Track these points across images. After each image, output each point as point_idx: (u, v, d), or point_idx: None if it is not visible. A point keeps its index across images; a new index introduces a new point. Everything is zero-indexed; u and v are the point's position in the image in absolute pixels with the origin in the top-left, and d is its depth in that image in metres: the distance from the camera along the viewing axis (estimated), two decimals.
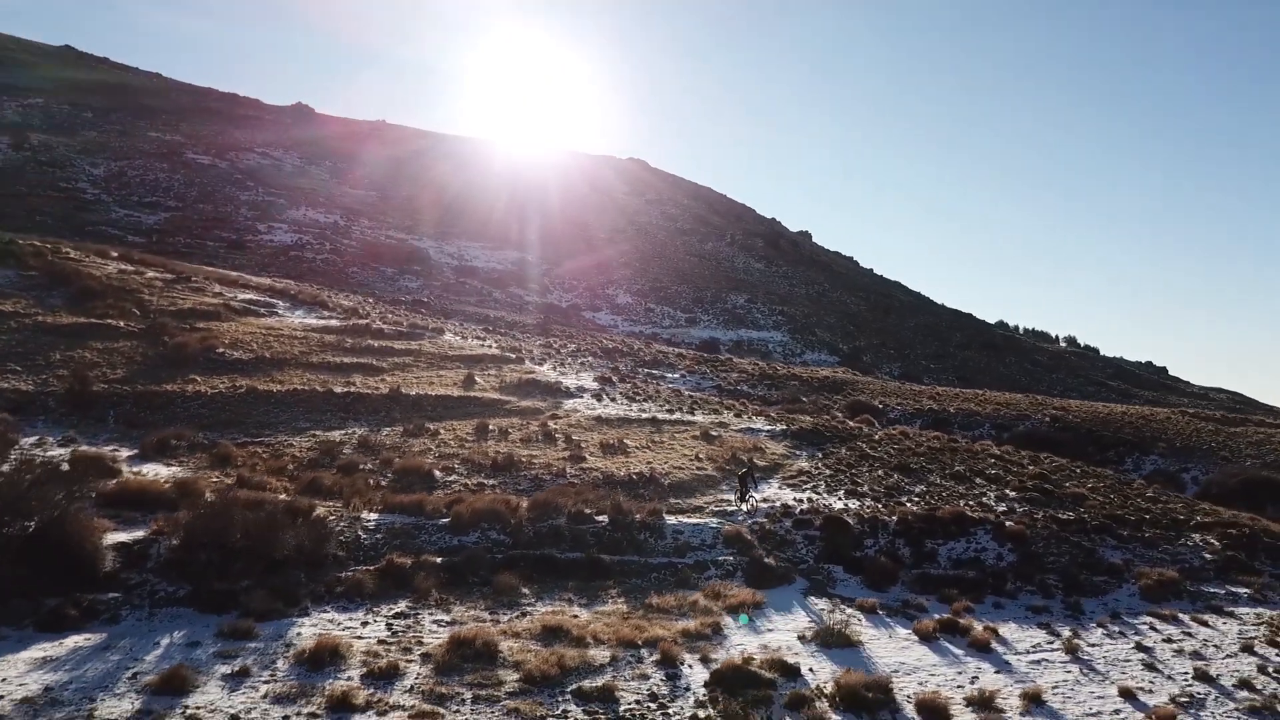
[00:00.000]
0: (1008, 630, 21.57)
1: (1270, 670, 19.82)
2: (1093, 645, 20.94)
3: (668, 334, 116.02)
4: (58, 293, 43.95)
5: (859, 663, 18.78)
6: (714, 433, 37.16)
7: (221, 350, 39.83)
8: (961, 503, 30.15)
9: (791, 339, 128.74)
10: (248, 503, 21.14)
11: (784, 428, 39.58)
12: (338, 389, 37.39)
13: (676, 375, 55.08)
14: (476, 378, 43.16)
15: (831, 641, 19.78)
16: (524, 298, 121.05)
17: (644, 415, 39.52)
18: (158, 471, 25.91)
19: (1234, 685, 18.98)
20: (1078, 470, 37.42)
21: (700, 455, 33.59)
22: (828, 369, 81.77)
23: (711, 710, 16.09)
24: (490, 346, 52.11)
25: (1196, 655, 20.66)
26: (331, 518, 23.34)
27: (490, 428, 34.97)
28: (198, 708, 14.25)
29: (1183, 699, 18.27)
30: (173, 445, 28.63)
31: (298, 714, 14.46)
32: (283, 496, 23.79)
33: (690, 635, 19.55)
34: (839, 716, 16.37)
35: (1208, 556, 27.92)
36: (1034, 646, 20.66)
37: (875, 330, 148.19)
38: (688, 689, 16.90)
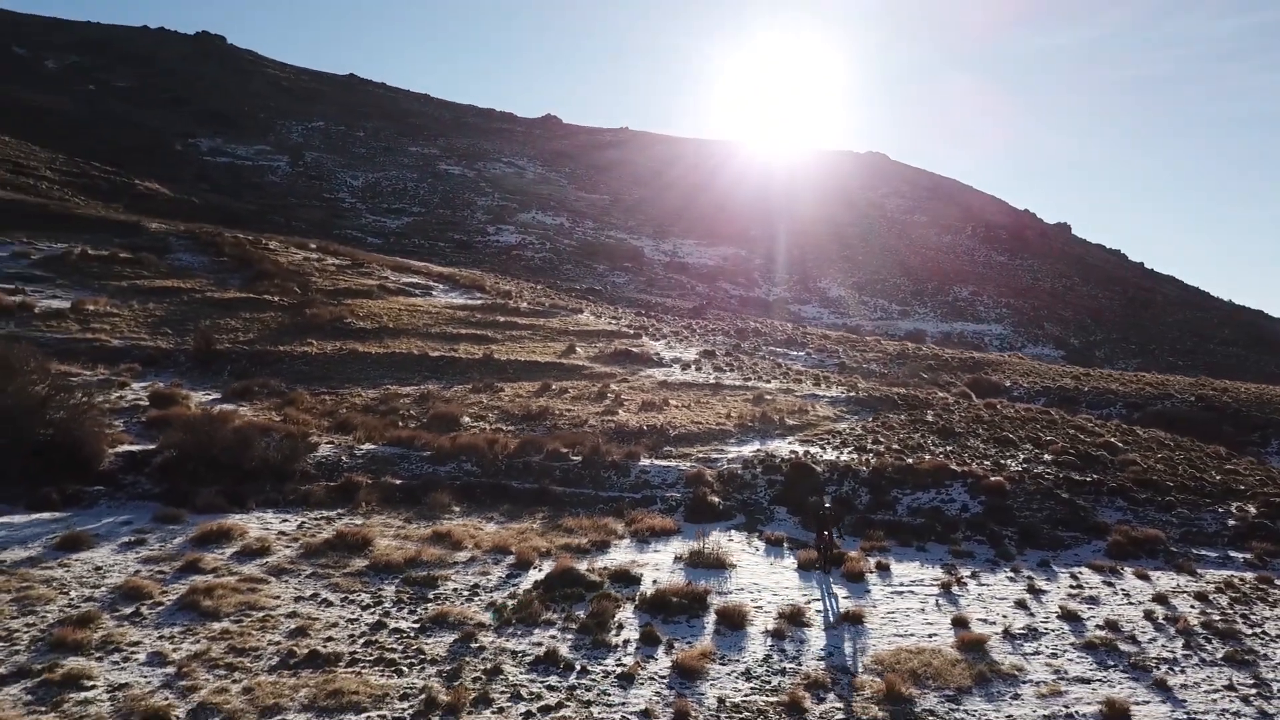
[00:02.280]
0: (902, 569, 21.37)
1: (1157, 617, 18.56)
2: (981, 585, 20.40)
3: (872, 326, 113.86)
4: (238, 275, 51.25)
5: (710, 579, 19.60)
6: (768, 397, 37.73)
7: (349, 320, 45.08)
8: (974, 462, 29.21)
9: (1013, 332, 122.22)
10: (235, 425, 24.92)
11: (847, 395, 39.37)
12: (433, 354, 41.37)
13: (801, 353, 55.20)
14: (577, 348, 45.94)
15: (700, 562, 20.65)
16: (728, 291, 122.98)
17: (711, 381, 40.65)
18: (223, 408, 30.55)
19: (1096, 625, 18.05)
20: (1170, 444, 34.59)
21: (731, 414, 34.45)
22: (995, 353, 77.68)
23: (512, 602, 17.75)
24: (616, 325, 54.76)
25: (1091, 601, 19.60)
26: (326, 445, 26.81)
27: (552, 387, 37.55)
28: (75, 558, 17.82)
29: (1020, 630, 17.72)
30: (254, 391, 33.40)
31: (152, 570, 17.68)
32: (291, 426, 27.53)
33: (572, 549, 21.14)
34: (634, 614, 17.49)
35: (1230, 523, 25.55)
36: (913, 582, 20.46)
37: (1119, 325, 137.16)
38: (514, 586, 18.61)
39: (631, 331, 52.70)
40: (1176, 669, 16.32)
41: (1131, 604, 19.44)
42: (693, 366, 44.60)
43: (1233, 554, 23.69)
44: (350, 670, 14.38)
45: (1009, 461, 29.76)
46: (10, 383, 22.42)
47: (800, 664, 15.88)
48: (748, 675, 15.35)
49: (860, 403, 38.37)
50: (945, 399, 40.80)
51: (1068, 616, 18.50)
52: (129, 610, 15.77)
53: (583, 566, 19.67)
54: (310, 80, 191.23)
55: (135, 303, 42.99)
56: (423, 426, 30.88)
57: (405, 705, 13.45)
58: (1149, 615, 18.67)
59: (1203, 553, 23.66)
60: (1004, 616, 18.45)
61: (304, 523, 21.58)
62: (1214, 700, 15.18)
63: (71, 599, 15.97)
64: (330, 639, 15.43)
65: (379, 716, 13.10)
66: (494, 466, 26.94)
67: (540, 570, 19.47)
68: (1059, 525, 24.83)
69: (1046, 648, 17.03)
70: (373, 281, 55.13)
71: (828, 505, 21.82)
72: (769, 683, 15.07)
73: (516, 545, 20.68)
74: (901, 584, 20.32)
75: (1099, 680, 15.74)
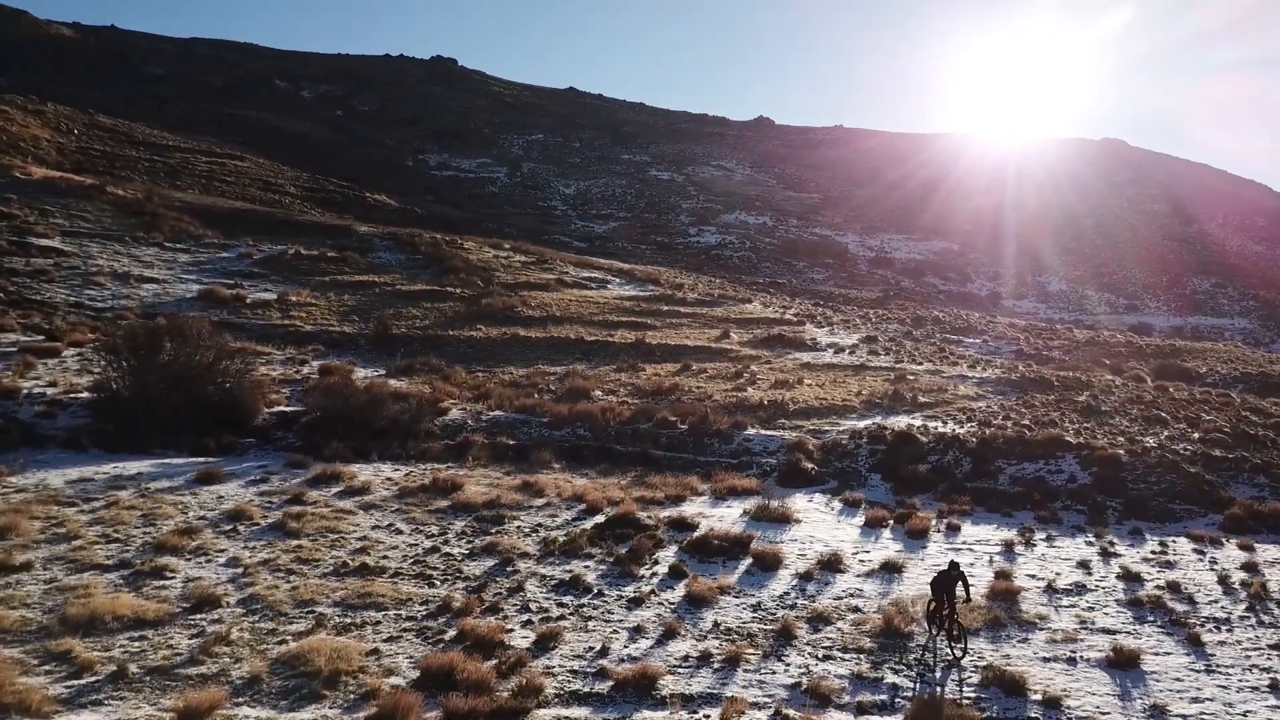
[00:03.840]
0: (974, 530, 21.05)
1: (1232, 582, 17.51)
2: (1051, 547, 19.83)
3: (1092, 320, 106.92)
4: (429, 270, 55.64)
5: (767, 530, 20.20)
6: (910, 377, 37.17)
7: (519, 309, 48.08)
8: (1104, 437, 27.80)
9: (1260, 327, 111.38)
10: (369, 390, 27.78)
11: (998, 376, 38.11)
12: (589, 338, 43.51)
13: (976, 341, 53.20)
14: (732, 333, 46.80)
15: (764, 516, 21.23)
16: (936, 286, 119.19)
17: (856, 363, 40.49)
18: (374, 379, 33.76)
19: (1155, 586, 17.24)
20: None
21: (862, 392, 34.30)
22: (1208, 344, 71.13)
23: (563, 537, 19.13)
24: (782, 313, 55.05)
25: (1165, 565, 18.61)
26: (456, 410, 29.28)
27: (692, 368, 38.69)
28: (205, 489, 20.81)
29: (1066, 585, 17.25)
30: (415, 368, 36.57)
31: (262, 500, 20.37)
32: (427, 394, 30.17)
33: (645, 500, 22.25)
34: (674, 554, 18.44)
35: None
36: (977, 541, 20.14)
37: None
38: (573, 527, 19.98)
39: (795, 319, 52.88)
40: (1223, 628, 15.47)
41: (1211, 570, 18.36)
42: (846, 350, 44.37)
43: None
44: (388, 580, 16.22)
45: (1147, 438, 28.08)
46: (182, 350, 26.12)
47: (814, 601, 16.29)
48: (756, 607, 15.96)
49: (1009, 383, 37.08)
50: (1111, 381, 38.58)
51: (1128, 577, 17.76)
52: (228, 528, 18.39)
53: (645, 514, 20.74)
54: (531, 95, 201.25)
55: (332, 294, 47.81)
56: (556, 399, 32.82)
57: (422, 608, 15.10)
58: (1223, 580, 17.64)
59: None
60: (1056, 574, 17.94)
61: (411, 471, 23.86)
62: (1247, 656, 14.38)
63: (188, 517, 18.79)
64: (385, 558, 17.37)
65: (395, 614, 14.81)
66: (604, 432, 28.44)
67: (604, 515, 20.71)
68: (1176, 499, 23.43)
69: (1085, 602, 16.53)
70: (551, 276, 58.22)
71: (955, 565, 14.62)
72: (773, 614, 15.62)
73: (591, 495, 22.01)
74: (964, 543, 20.06)
75: (1126, 632, 15.21)
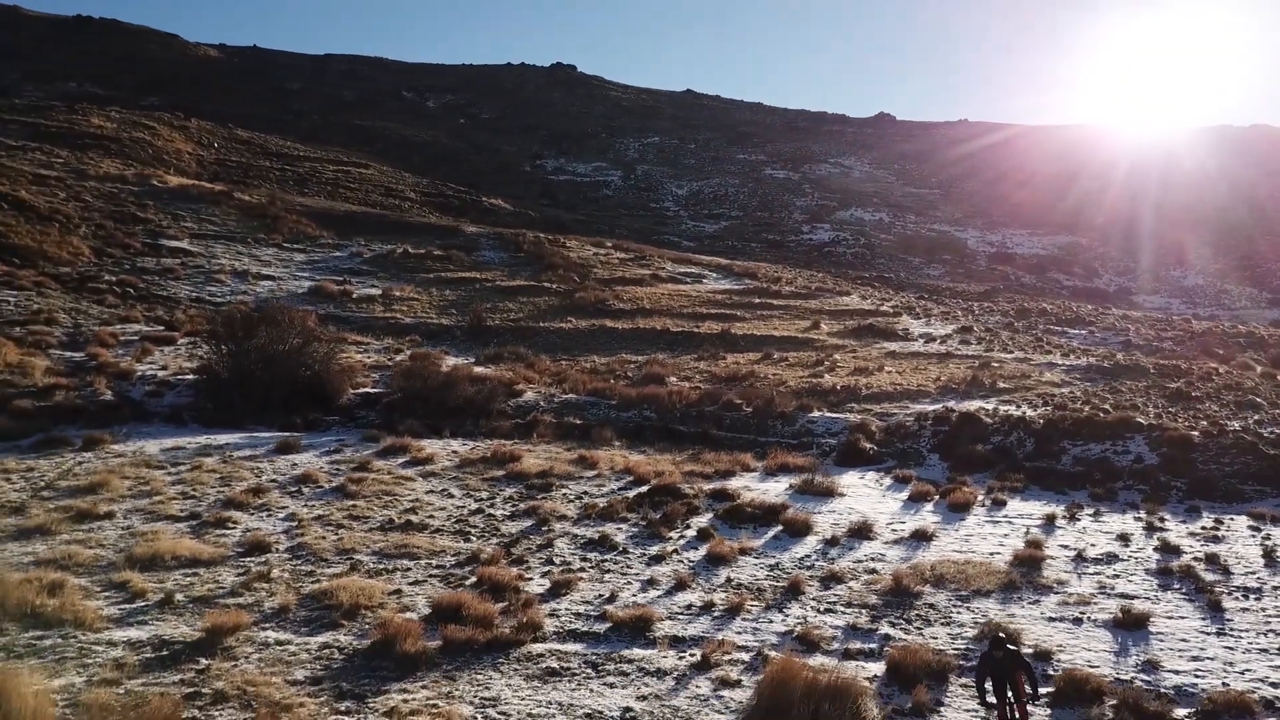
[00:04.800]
0: (1019, 505, 20.89)
1: (1277, 556, 16.89)
2: (1096, 521, 19.54)
3: (1231, 315, 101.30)
4: (529, 267, 57.39)
5: (807, 502, 20.55)
6: (995, 364, 36.53)
7: (610, 303, 49.18)
8: (1184, 421, 26.91)
9: None
10: (445, 373, 29.24)
11: (1090, 363, 37.04)
12: (674, 329, 44.26)
13: (1082, 332, 51.36)
14: (822, 324, 46.77)
15: (809, 490, 21.55)
16: (1060, 281, 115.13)
17: (942, 351, 39.99)
18: (458, 365, 35.26)
19: (1192, 558, 16.87)
20: None
21: (940, 378, 33.96)
22: None
23: (602, 503, 19.95)
24: (879, 305, 54.54)
25: (1212, 539, 18.12)
26: (530, 392, 30.48)
27: (773, 356, 38.98)
28: (282, 458, 22.47)
29: (1096, 555, 17.07)
30: (502, 356, 38.04)
31: (332, 467, 21.89)
32: (505, 378, 31.46)
33: (694, 474, 22.86)
34: (708, 521, 19.00)
35: None
36: (1019, 515, 19.97)
37: None
38: (616, 495, 20.75)
39: (892, 311, 52.33)
40: (1250, 597, 15.11)
41: (1259, 545, 17.76)
42: (937, 340, 43.81)
43: None
44: (428, 535, 17.36)
45: (1233, 422, 27.03)
46: (274, 336, 28.09)
47: (833, 564, 16.61)
48: (774, 567, 16.40)
49: (1100, 370, 36.02)
50: (1214, 369, 36.95)
51: (1166, 549, 17.41)
52: (294, 489, 19.91)
53: (688, 486, 21.34)
54: (648, 98, 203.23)
55: (434, 290, 49.96)
56: (631, 384, 33.69)
57: (452, 559, 16.15)
58: (1268, 554, 17.12)
59: None
60: (1091, 545, 17.73)
61: (476, 446, 25.05)
62: (1267, 623, 14.05)
63: (260, 480, 20.41)
64: (431, 517, 18.54)
65: (426, 564, 15.90)
66: (669, 413, 29.13)
67: (647, 486, 21.40)
68: (1248, 480, 22.62)
69: (1111, 570, 16.35)
70: (647, 271, 59.17)
71: (1001, 643, 10.96)
72: (788, 573, 16.02)
73: (642, 468, 22.73)
74: (1005, 516, 19.95)
75: (1144, 597, 15.03)
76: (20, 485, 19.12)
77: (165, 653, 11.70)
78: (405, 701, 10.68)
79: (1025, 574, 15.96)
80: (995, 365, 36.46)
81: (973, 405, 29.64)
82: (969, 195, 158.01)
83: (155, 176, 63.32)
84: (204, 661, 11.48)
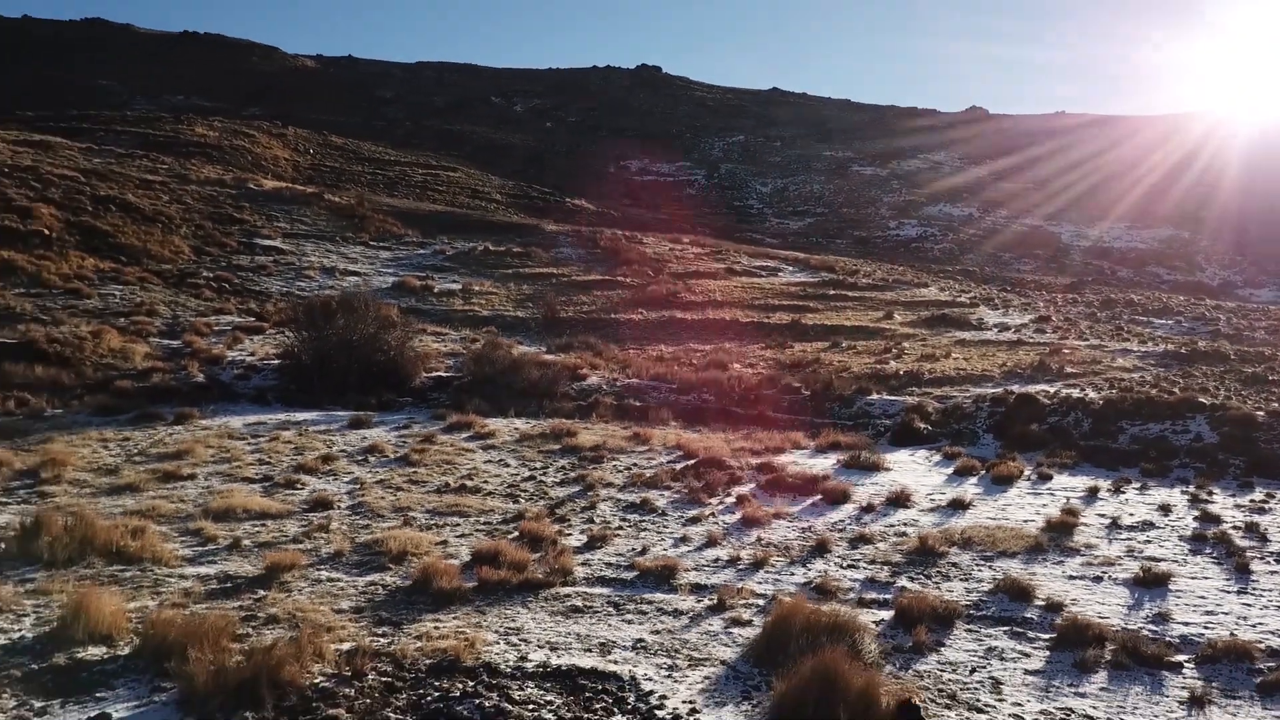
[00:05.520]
0: (1066, 480, 21.01)
1: None
2: (1141, 494, 19.57)
3: None
4: (605, 263, 58.59)
5: (852, 475, 21.04)
6: (1065, 351, 36.24)
7: (682, 295, 49.99)
8: (1250, 402, 26.46)
9: None
10: (513, 357, 30.45)
11: (1167, 350, 36.43)
12: (744, 320, 44.86)
13: (1169, 322, 50.15)
14: (895, 314, 46.78)
15: (855, 465, 21.99)
16: (1160, 276, 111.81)
17: (1013, 339, 39.75)
18: (524, 350, 36.41)
19: (1231, 527, 16.89)
20: None
21: (1007, 363, 33.87)
22: None
23: (649, 473, 20.77)
24: (956, 296, 54.14)
25: (1258, 510, 18.08)
26: (593, 376, 31.50)
27: (841, 344, 39.30)
28: (353, 432, 23.88)
29: (1131, 522, 17.20)
30: (572, 345, 39.18)
31: (398, 439, 23.21)
32: (570, 363, 32.55)
33: (742, 450, 23.49)
34: (749, 490, 19.66)
35: None
36: (1064, 488, 20.12)
37: None
38: (669, 466, 21.55)
39: (969, 302, 51.97)
40: None
41: None
42: (1011, 330, 43.45)
43: None
44: (480, 497, 18.43)
45: None
46: (351, 321, 29.70)
47: (865, 527, 17.10)
48: (806, 530, 16.98)
49: (1177, 357, 35.43)
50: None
51: (1206, 518, 17.45)
52: (361, 459, 21.23)
53: (735, 460, 22.00)
54: (733, 98, 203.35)
55: (512, 285, 51.51)
56: (693, 370, 34.43)
57: (499, 517, 17.17)
58: None
59: None
60: (1130, 515, 17.84)
61: (537, 424, 26.12)
62: None
63: (331, 450, 21.80)
64: (485, 482, 19.63)
65: (474, 521, 16.94)
66: (728, 396, 29.78)
67: (695, 458, 22.12)
68: None
69: (1143, 535, 16.49)
70: (722, 265, 59.81)
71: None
72: (818, 534, 16.58)
73: (693, 444, 23.46)
74: (1049, 489, 20.10)
75: (1172, 560, 15.17)
76: (116, 451, 20.91)
77: (229, 584, 12.93)
78: (436, 628, 11.65)
79: (1054, 538, 16.21)
80: (1066, 352, 36.15)
81: (1035, 389, 29.56)
82: (1064, 189, 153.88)
83: (251, 180, 66.49)
84: (261, 592, 12.65)
